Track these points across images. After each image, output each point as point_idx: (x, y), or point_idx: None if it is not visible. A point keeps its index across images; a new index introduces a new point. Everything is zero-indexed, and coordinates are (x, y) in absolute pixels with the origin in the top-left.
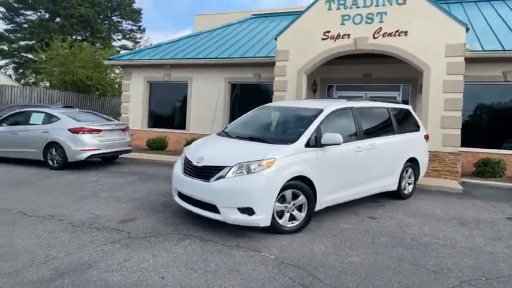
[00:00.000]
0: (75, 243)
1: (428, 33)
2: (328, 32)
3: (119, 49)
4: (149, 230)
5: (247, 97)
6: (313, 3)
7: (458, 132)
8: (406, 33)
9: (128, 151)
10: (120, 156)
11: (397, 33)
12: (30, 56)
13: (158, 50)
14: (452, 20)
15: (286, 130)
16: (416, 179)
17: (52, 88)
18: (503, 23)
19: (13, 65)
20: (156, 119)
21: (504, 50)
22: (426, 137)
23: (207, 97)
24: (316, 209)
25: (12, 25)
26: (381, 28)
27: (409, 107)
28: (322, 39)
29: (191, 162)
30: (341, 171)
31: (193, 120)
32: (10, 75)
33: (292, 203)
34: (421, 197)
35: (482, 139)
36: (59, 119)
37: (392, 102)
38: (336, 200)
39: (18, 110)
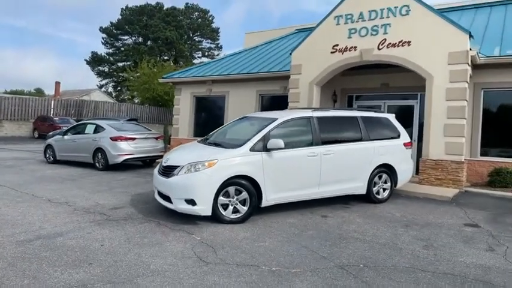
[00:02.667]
0: (65, 221)
1: (431, 42)
2: (337, 45)
3: None
4: (126, 215)
5: (275, 107)
6: (323, 20)
7: (462, 140)
8: (409, 43)
9: (159, 156)
10: (158, 160)
11: (400, 44)
12: (124, 75)
13: (204, 68)
14: (454, 28)
15: (242, 137)
16: (394, 185)
17: (136, 103)
18: None
19: (112, 83)
20: (200, 129)
21: None
22: (407, 145)
23: (241, 108)
24: (264, 205)
25: (112, 49)
26: (385, 39)
27: (389, 116)
28: (331, 52)
29: (161, 163)
30: (290, 173)
31: None
32: (110, 93)
33: (236, 198)
34: (398, 202)
35: (502, 148)
36: (104, 129)
37: (370, 111)
38: (285, 198)
39: (78, 123)
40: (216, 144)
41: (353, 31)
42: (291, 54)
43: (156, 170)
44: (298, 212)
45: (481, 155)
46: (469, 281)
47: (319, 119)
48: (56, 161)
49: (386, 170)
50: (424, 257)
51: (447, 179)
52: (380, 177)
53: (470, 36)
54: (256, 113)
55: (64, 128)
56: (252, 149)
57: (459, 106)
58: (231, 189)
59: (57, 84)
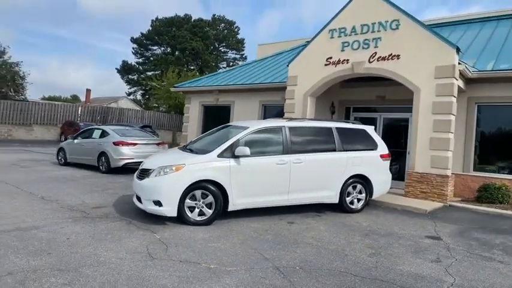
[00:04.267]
0: (46, 216)
1: (419, 56)
2: (330, 58)
3: None
4: (103, 214)
5: (276, 117)
6: (318, 33)
7: (448, 154)
8: (398, 56)
9: None
10: None
11: (390, 57)
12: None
13: (213, 78)
14: (441, 42)
15: (216, 144)
16: (369, 195)
17: (161, 111)
18: None
19: (141, 91)
20: None
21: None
22: (384, 156)
23: (245, 118)
24: (231, 209)
25: (142, 59)
26: (375, 53)
27: (366, 127)
28: (325, 64)
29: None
30: (258, 180)
31: None
32: (139, 101)
33: (202, 201)
34: (372, 213)
35: (496, 163)
36: (109, 134)
37: (347, 123)
38: (251, 204)
39: (88, 128)
40: (191, 151)
41: (346, 44)
42: (288, 66)
43: (135, 175)
44: (268, 217)
45: (474, 170)
46: None
47: (291, 129)
48: (66, 163)
49: (361, 180)
50: (365, 263)
51: (432, 193)
52: (354, 188)
53: (458, 50)
54: (236, 122)
55: None
56: (220, 155)
57: (445, 120)
58: (198, 193)
59: (88, 91)
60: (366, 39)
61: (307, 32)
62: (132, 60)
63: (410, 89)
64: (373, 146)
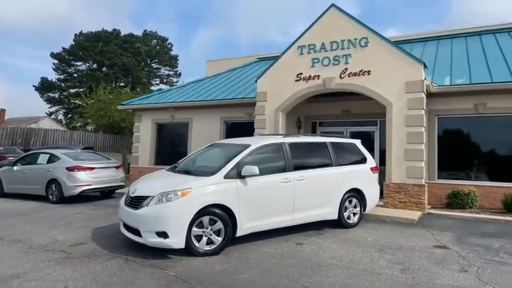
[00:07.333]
0: (20, 260)
1: (389, 72)
2: (301, 74)
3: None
4: (88, 252)
5: (240, 134)
6: (287, 49)
7: (422, 164)
8: (369, 72)
9: (120, 186)
10: (118, 191)
11: (361, 73)
12: (78, 101)
13: (166, 94)
14: (410, 59)
15: (215, 164)
16: (363, 209)
17: (92, 131)
18: (480, 56)
19: (63, 110)
20: (162, 157)
21: (471, 84)
22: (373, 169)
23: (205, 135)
24: (239, 234)
25: (64, 75)
26: (346, 69)
27: (355, 141)
28: (296, 80)
29: (129, 193)
30: (264, 200)
31: None
32: (60, 120)
33: (210, 228)
34: (368, 226)
35: (456, 170)
36: (59, 158)
37: (338, 137)
38: (259, 227)
39: (30, 152)
40: (187, 172)
41: (316, 60)
42: (256, 81)
43: (122, 201)
44: (273, 240)
45: (438, 177)
46: None
47: (291, 145)
48: (3, 195)
49: (356, 194)
50: (404, 281)
51: (410, 202)
52: (350, 202)
53: (425, 66)
54: (226, 140)
55: (10, 158)
56: (226, 176)
57: (418, 132)
58: (205, 219)
59: (3, 111)
60: (336, 56)
61: (242, 50)
62: (53, 76)
63: (382, 103)
64: (362, 159)
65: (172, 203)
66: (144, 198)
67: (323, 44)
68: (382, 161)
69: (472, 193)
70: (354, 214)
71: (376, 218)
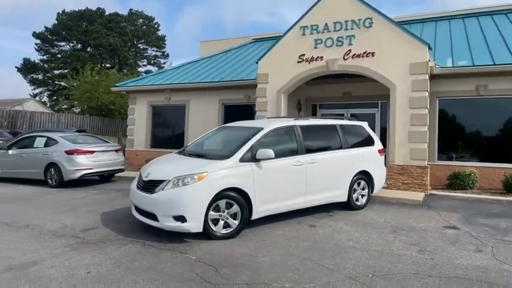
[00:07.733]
0: (34, 247)
1: (394, 53)
2: (303, 55)
3: (143, 74)
4: (102, 237)
5: (238, 117)
6: (289, 30)
7: (425, 146)
8: (373, 54)
9: (120, 170)
10: (116, 174)
11: (364, 55)
12: (63, 83)
13: (161, 76)
14: (415, 40)
15: (228, 147)
16: (371, 191)
17: (79, 113)
18: (480, 38)
19: (48, 92)
20: (158, 140)
21: (474, 66)
22: (381, 151)
23: (203, 117)
24: (254, 217)
25: (47, 56)
26: (350, 50)
27: (362, 124)
28: (298, 62)
29: (141, 177)
30: (278, 183)
31: (190, 139)
32: (45, 102)
33: (226, 211)
34: (376, 208)
35: (456, 152)
36: (57, 142)
37: (345, 119)
38: (274, 209)
39: (25, 135)
40: (200, 156)
41: (319, 41)
42: (257, 63)
43: (133, 185)
44: (285, 223)
45: (439, 159)
46: (475, 284)
47: (302, 127)
48: None
49: (364, 176)
50: (424, 262)
51: (413, 183)
52: (359, 184)
53: (429, 48)
54: (236, 123)
55: None
56: (241, 160)
57: (421, 114)
58: (222, 203)
59: None
60: (339, 37)
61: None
62: (36, 57)
63: (386, 85)
64: (370, 141)
65: (189, 187)
66: (159, 182)
67: (326, 24)
68: (383, 143)
69: (473, 174)
70: (362, 196)
71: (382, 200)
